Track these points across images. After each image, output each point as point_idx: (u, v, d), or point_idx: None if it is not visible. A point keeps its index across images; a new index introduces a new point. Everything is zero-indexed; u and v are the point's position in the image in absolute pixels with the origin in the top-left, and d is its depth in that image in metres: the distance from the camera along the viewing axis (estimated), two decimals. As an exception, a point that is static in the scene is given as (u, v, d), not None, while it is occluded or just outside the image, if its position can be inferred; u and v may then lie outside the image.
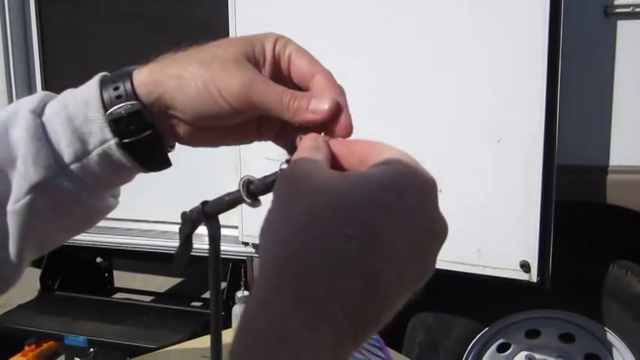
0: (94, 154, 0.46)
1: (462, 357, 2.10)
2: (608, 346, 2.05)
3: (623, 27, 1.79)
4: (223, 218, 0.53)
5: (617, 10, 1.78)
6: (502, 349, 2.13)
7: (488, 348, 2.12)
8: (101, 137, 0.46)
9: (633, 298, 1.96)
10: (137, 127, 0.46)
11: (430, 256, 0.34)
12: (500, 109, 1.64)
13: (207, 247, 0.55)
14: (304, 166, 0.36)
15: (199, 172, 2.12)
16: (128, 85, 0.46)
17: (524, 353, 2.13)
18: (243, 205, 0.47)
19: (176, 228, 0.55)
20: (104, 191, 0.50)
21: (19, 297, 2.65)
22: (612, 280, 1.97)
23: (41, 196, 0.46)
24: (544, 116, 1.55)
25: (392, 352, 1.10)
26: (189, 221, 0.52)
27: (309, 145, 0.39)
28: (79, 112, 0.46)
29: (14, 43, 2.42)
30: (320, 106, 0.42)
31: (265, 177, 0.44)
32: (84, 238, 2.38)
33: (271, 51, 0.46)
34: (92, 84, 0.47)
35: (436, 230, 0.34)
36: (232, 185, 0.48)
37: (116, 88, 0.46)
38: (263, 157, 0.46)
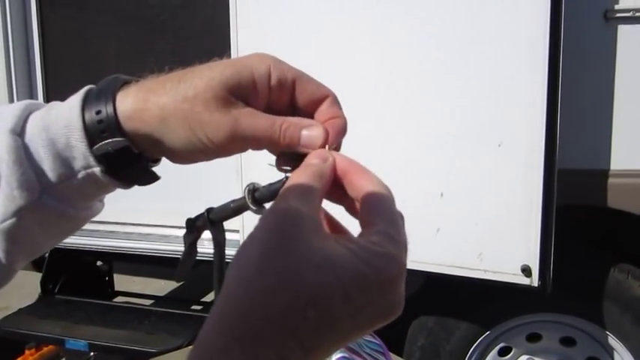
0: (79, 177, 0.46)
1: (463, 361, 2.10)
2: (609, 350, 2.04)
3: (624, 31, 1.80)
4: (226, 223, 0.53)
5: (618, 15, 1.79)
6: (503, 352, 2.13)
7: (490, 352, 2.12)
8: (85, 163, 0.45)
9: (634, 302, 1.96)
10: (125, 160, 0.46)
11: (372, 329, 0.37)
12: (501, 114, 1.64)
13: (209, 251, 0.56)
14: (295, 217, 0.36)
15: (200, 176, 2.12)
16: (111, 111, 0.44)
17: (525, 357, 2.13)
18: (246, 210, 0.47)
19: (177, 232, 0.56)
20: (90, 202, 0.50)
21: (20, 301, 2.65)
22: (613, 284, 1.97)
23: (28, 216, 0.45)
24: (545, 120, 1.56)
25: (393, 357, 1.10)
26: (194, 228, 0.52)
27: (313, 171, 0.40)
28: (61, 136, 0.45)
29: (15, 46, 2.42)
30: (311, 139, 0.43)
31: (270, 184, 0.44)
32: (84, 241, 2.38)
33: (265, 79, 0.43)
34: (74, 106, 0.45)
35: (386, 315, 0.36)
36: (234, 190, 0.48)
37: (100, 121, 0.44)
38: (266, 164, 0.46)
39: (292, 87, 0.44)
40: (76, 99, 0.46)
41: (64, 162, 0.45)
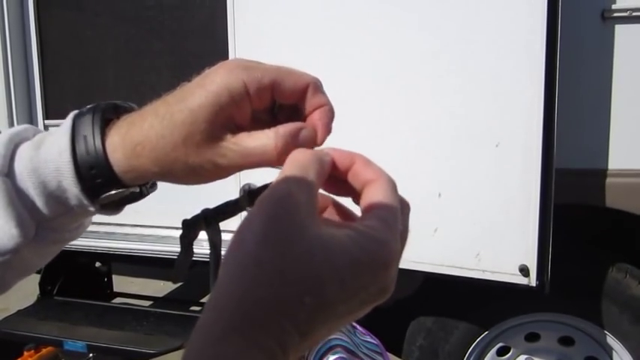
0: (73, 212, 0.47)
1: (462, 361, 2.10)
2: (608, 349, 2.05)
3: (621, 31, 1.80)
4: (222, 223, 0.53)
5: (615, 15, 1.79)
6: (502, 352, 2.13)
7: (488, 352, 2.12)
8: (79, 203, 0.46)
9: (632, 301, 1.97)
10: (128, 200, 0.48)
11: (364, 313, 0.37)
12: (499, 114, 1.65)
13: (207, 252, 0.56)
14: (292, 204, 0.36)
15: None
16: (106, 169, 0.45)
17: (523, 357, 2.13)
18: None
19: (175, 233, 0.56)
20: (82, 220, 0.52)
21: (19, 302, 2.64)
22: (611, 283, 1.98)
23: (25, 249, 0.46)
24: (542, 120, 1.56)
25: (392, 357, 1.10)
26: (190, 229, 0.52)
27: (310, 160, 0.40)
28: (52, 178, 0.45)
29: (13, 48, 2.42)
30: (305, 144, 0.43)
31: (266, 185, 0.44)
32: (83, 243, 2.38)
33: (244, 96, 0.42)
34: (63, 150, 0.45)
35: (376, 300, 0.37)
36: (232, 190, 0.48)
37: (96, 176, 0.45)
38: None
39: (271, 89, 0.43)
40: (63, 141, 0.45)
41: (57, 201, 0.46)
